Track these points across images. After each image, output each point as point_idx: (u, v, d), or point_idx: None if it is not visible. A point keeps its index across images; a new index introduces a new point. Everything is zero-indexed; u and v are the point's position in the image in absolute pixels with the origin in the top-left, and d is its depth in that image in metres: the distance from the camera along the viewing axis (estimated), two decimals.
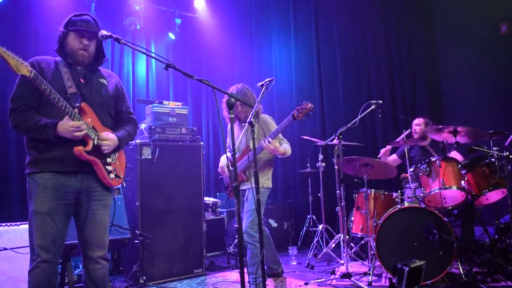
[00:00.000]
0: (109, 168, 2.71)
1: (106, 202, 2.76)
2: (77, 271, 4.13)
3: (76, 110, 2.56)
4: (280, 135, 4.06)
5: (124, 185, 2.91)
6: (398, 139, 4.74)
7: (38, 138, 2.56)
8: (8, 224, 3.68)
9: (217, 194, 6.73)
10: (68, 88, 2.62)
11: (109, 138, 2.70)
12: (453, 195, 4.22)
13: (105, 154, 2.70)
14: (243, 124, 4.06)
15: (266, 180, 4.10)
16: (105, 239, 2.75)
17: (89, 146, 2.58)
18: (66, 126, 2.49)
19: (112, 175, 2.72)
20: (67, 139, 2.52)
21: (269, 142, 3.82)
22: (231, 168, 4.18)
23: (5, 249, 3.45)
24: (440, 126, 4.25)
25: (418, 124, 5.12)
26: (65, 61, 2.72)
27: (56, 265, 2.59)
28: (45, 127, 2.50)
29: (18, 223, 3.73)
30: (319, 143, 5.38)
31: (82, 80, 2.71)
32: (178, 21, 7.22)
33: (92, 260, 2.69)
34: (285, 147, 4.01)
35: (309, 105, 3.66)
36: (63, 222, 2.59)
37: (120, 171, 2.82)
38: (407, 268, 1.18)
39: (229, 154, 4.11)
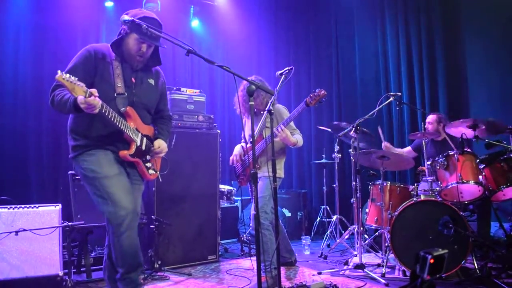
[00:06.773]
0: (148, 164, 2.90)
1: (141, 188, 2.95)
2: (93, 254, 4.21)
3: (124, 121, 2.65)
4: (293, 125, 4.04)
5: (161, 180, 3.17)
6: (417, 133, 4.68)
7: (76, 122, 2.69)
8: (27, 206, 3.74)
9: (231, 182, 6.75)
10: (117, 88, 2.65)
11: (162, 149, 2.92)
12: (470, 189, 4.18)
13: (146, 153, 2.84)
14: (261, 112, 4.04)
15: (278, 170, 4.09)
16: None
17: (132, 150, 2.72)
18: (82, 102, 2.38)
19: (151, 171, 2.92)
20: (110, 141, 2.66)
21: (281, 129, 3.81)
22: (243, 157, 4.19)
23: (24, 230, 3.51)
24: (461, 120, 4.20)
25: (430, 122, 5.07)
26: (119, 57, 2.73)
27: (135, 227, 2.66)
28: (66, 102, 2.49)
29: (37, 205, 3.79)
30: (335, 134, 5.33)
31: (133, 80, 2.75)
32: (195, 9, 7.21)
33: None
34: (297, 138, 3.98)
35: (322, 91, 3.63)
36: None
37: (156, 166, 3.01)
38: (430, 256, 1.18)
39: (243, 144, 4.14)
